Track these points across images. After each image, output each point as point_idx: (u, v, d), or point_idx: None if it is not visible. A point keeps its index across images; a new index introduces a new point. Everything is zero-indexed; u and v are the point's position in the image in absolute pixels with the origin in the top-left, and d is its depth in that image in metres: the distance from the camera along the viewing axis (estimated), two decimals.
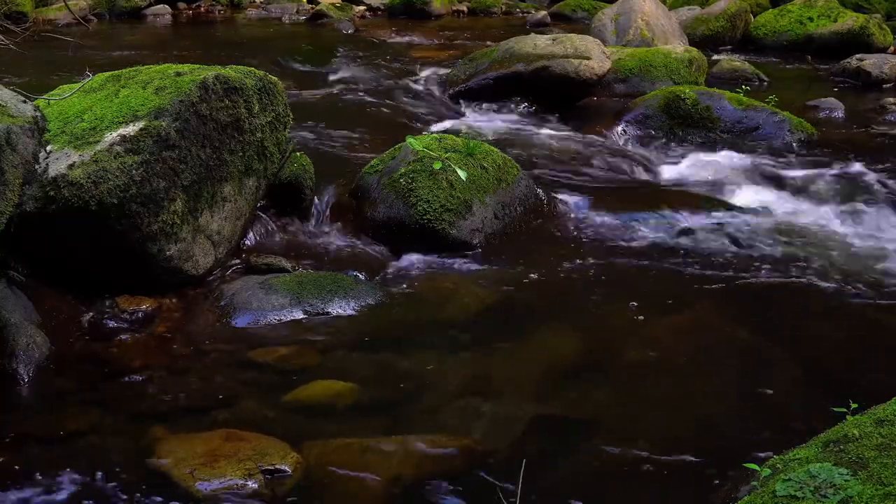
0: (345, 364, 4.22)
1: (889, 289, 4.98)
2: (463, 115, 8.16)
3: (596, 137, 7.62)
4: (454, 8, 15.30)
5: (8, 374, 3.93)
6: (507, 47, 8.64)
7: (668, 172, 6.99)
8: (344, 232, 5.57)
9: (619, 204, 6.12)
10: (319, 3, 15.03)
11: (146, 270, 4.60)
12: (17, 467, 3.36)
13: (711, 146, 7.44)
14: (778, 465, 2.69)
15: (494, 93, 8.33)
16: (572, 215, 5.97)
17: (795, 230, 5.80)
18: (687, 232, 5.75)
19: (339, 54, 10.96)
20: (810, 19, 11.81)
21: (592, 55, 8.25)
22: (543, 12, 14.85)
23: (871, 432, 2.65)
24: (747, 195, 6.48)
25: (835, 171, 6.90)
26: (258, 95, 5.09)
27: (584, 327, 4.61)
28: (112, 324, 4.44)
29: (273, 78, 5.29)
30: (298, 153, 5.66)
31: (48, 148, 4.46)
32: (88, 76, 4.74)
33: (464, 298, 4.89)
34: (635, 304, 4.79)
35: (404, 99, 8.53)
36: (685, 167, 7.06)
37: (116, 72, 5.09)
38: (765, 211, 6.13)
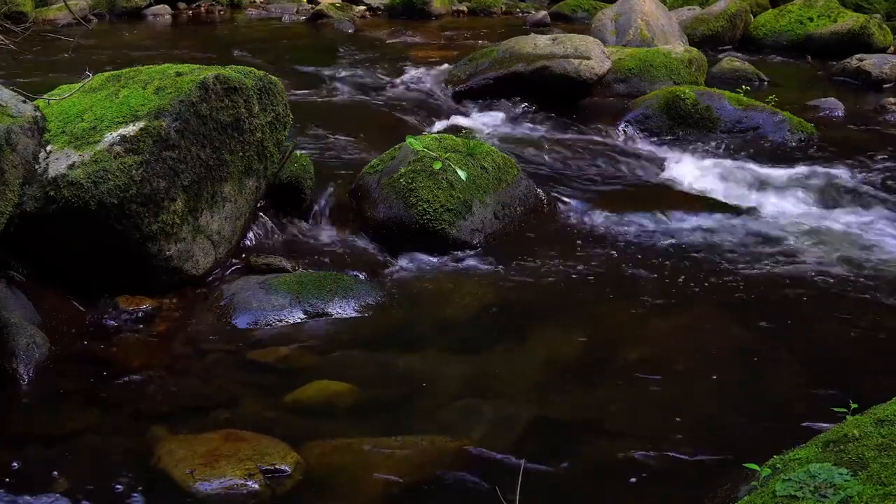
0: (345, 364, 4.21)
1: (889, 289, 4.98)
2: (463, 115, 8.15)
3: (596, 137, 7.62)
4: (454, 8, 15.29)
5: (8, 374, 3.93)
6: (507, 47, 8.63)
7: (668, 172, 6.99)
8: (344, 232, 5.57)
9: (619, 204, 6.12)
10: (319, 3, 15.02)
11: (146, 270, 4.60)
12: (17, 467, 3.36)
13: (711, 146, 7.44)
14: (778, 465, 2.69)
15: (494, 93, 8.33)
16: (572, 215, 5.97)
17: (795, 230, 5.80)
18: (687, 232, 5.75)
19: (339, 54, 10.96)
20: (810, 19, 11.81)
21: (592, 55, 8.25)
22: (543, 12, 14.84)
23: (871, 432, 2.65)
24: (747, 195, 6.48)
25: (835, 170, 6.89)
26: (258, 95, 5.09)
27: (584, 327, 4.61)
28: (112, 324, 4.44)
29: (273, 78, 5.29)
30: (298, 153, 5.66)
31: (48, 148, 4.47)
32: (88, 76, 4.74)
33: (464, 298, 4.89)
34: (635, 303, 4.79)
35: (404, 99, 8.53)
36: (685, 167, 7.05)
37: (116, 72, 5.09)
38: (765, 211, 6.13)
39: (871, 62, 10.18)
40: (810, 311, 4.80)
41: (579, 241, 5.63)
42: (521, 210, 5.81)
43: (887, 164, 7.06)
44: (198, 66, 5.03)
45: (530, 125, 7.89)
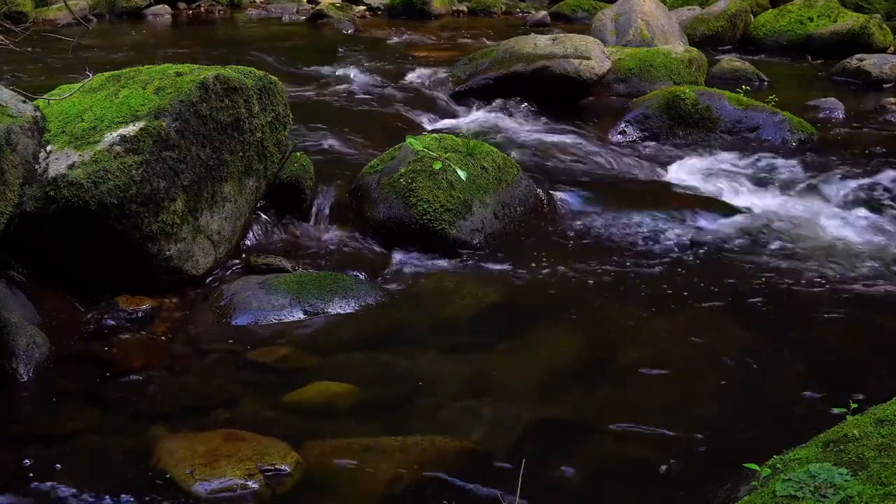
0: (345, 364, 4.21)
1: (889, 289, 4.98)
2: (463, 115, 8.16)
3: (596, 137, 7.63)
4: (454, 8, 15.30)
5: (8, 374, 3.93)
6: (507, 47, 8.64)
7: (667, 172, 6.99)
8: (344, 232, 5.57)
9: (619, 204, 6.12)
10: (319, 3, 15.03)
11: (146, 270, 4.60)
12: (17, 467, 3.36)
13: (711, 146, 7.44)
14: (778, 465, 2.69)
15: (495, 93, 8.33)
16: (572, 215, 5.97)
17: (795, 230, 5.80)
18: (686, 232, 5.75)
19: (339, 54, 10.96)
20: (810, 19, 11.81)
21: (592, 55, 8.25)
22: (543, 12, 14.85)
23: (871, 432, 2.65)
24: (747, 195, 6.48)
25: (835, 171, 6.90)
26: (258, 95, 5.09)
27: (584, 327, 4.61)
28: (112, 324, 4.44)
29: (273, 78, 5.29)
30: (298, 153, 5.66)
31: (48, 148, 4.46)
32: (88, 76, 4.74)
33: (464, 298, 4.89)
34: (635, 303, 4.79)
35: (404, 99, 8.53)
36: (685, 167, 7.06)
37: (116, 72, 5.09)
38: (764, 211, 6.13)
39: (871, 62, 10.18)
40: (810, 311, 4.80)
41: (579, 241, 5.64)
42: (521, 210, 5.81)
43: (888, 164, 7.06)
44: (198, 66, 5.03)
45: (530, 125, 7.89)
